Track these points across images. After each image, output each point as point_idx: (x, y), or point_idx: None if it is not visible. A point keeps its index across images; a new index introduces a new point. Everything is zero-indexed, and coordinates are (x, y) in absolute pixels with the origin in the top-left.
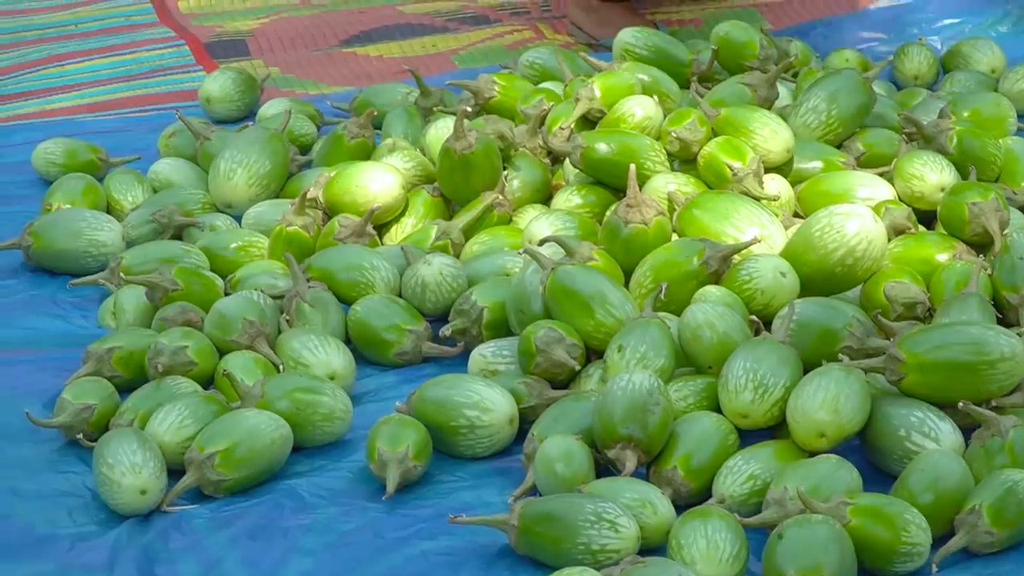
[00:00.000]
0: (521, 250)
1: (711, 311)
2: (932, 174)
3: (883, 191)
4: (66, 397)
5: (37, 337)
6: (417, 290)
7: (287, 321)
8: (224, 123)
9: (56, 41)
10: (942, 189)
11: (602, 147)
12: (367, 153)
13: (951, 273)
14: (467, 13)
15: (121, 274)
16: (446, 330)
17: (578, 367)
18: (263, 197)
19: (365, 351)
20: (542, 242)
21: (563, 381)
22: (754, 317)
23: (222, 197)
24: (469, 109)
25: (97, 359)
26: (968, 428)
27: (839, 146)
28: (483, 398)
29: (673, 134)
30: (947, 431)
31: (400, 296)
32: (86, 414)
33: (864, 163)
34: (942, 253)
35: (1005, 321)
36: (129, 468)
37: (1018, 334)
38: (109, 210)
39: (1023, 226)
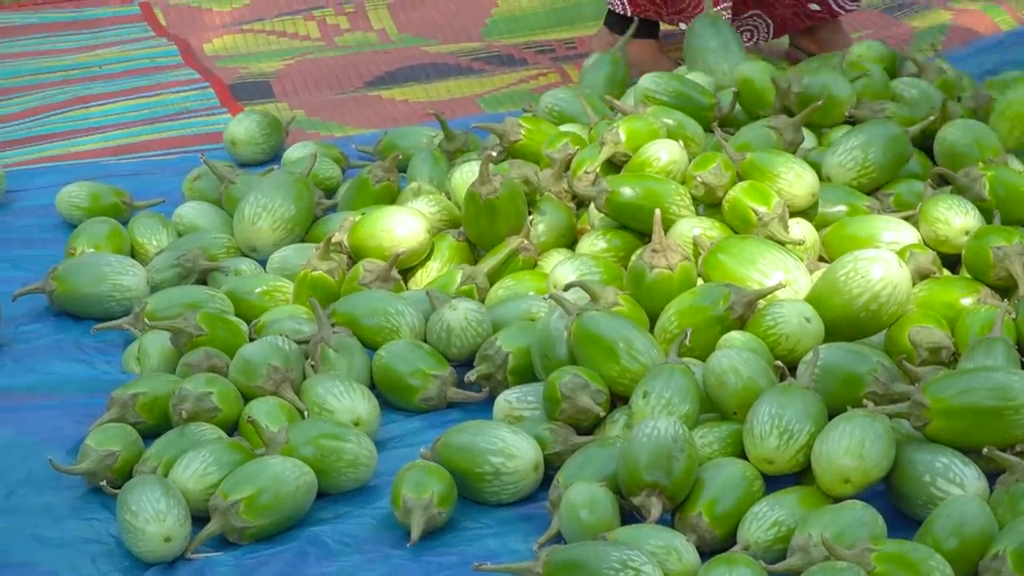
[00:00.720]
0: (546, 295)
1: (736, 357)
2: (956, 218)
3: (908, 235)
4: (90, 444)
5: (61, 382)
6: (442, 335)
7: (312, 366)
8: (249, 166)
9: (80, 83)
10: (966, 233)
11: (627, 192)
12: (392, 197)
13: (976, 317)
14: (492, 52)
15: (145, 319)
16: (471, 375)
17: (603, 413)
18: (288, 241)
19: (390, 396)
20: (567, 287)
21: (588, 427)
22: (779, 362)
23: (247, 241)
24: (495, 154)
25: (121, 405)
26: (993, 473)
27: (871, 193)
28: (508, 444)
29: (698, 179)
30: (972, 476)
31: (425, 341)
32: (110, 461)
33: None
34: (967, 297)
35: None
36: (153, 515)
37: None
38: (133, 254)
39: None
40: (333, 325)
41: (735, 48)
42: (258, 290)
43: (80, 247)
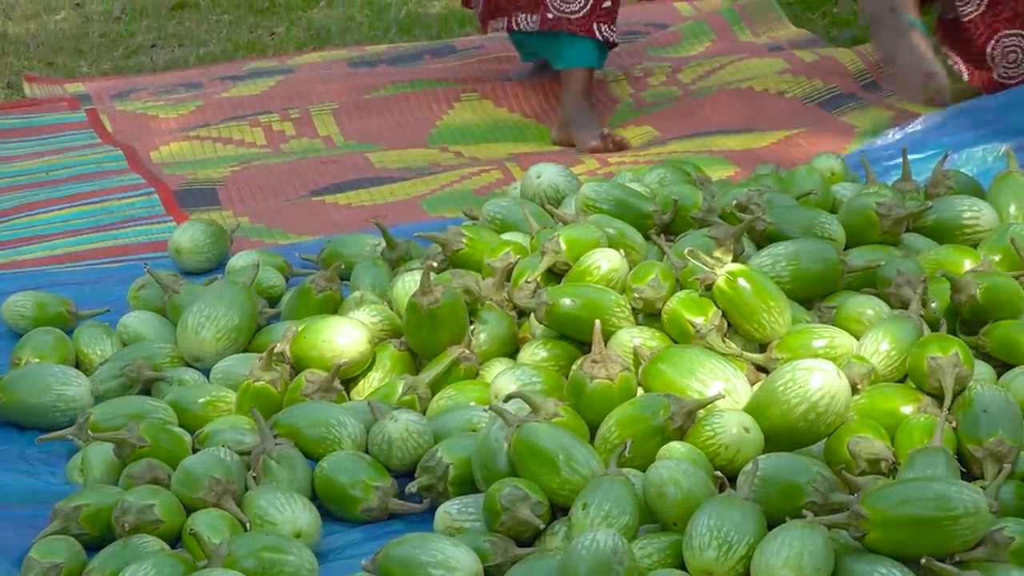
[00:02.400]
0: (487, 407)
1: (675, 468)
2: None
3: (843, 343)
4: (33, 556)
5: (5, 494)
6: (384, 447)
7: (254, 478)
8: (193, 274)
9: (27, 189)
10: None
11: (566, 303)
12: (335, 306)
13: (916, 427)
14: (436, 171)
15: (89, 430)
16: (412, 487)
17: (543, 526)
18: (231, 351)
19: (332, 507)
20: (508, 398)
21: (528, 538)
22: (718, 473)
23: (190, 351)
24: (436, 264)
25: (64, 517)
26: None
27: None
28: (448, 557)
29: (636, 293)
30: None
31: (367, 452)
32: (53, 573)
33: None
34: (907, 405)
35: (969, 474)
36: None
37: (981, 487)
38: (78, 363)
39: (987, 378)
40: (275, 436)
41: None
42: (201, 400)
43: (25, 357)
